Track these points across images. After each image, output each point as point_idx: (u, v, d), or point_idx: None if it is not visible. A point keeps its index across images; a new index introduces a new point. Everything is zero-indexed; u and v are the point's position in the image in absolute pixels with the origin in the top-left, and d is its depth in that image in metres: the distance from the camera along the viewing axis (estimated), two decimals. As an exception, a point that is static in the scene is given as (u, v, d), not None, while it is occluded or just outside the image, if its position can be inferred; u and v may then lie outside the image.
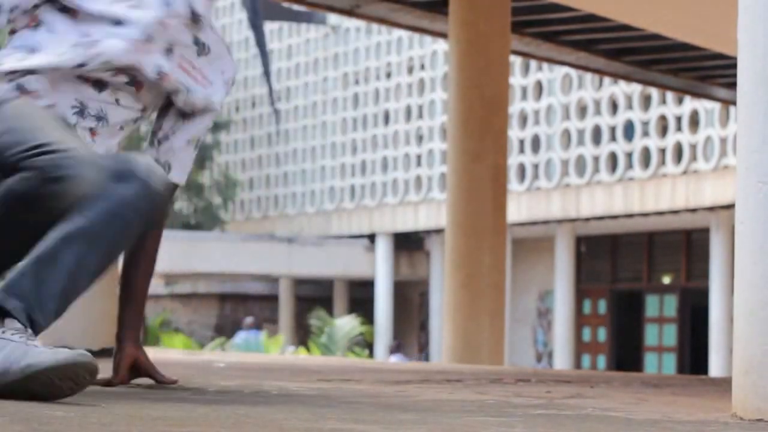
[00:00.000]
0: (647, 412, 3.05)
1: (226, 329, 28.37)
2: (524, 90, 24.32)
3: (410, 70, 27.04)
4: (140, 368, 3.32)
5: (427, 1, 10.69)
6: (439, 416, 2.67)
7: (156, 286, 25.39)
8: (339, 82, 29.15)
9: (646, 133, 22.21)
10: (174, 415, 2.41)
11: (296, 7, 22.98)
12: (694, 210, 21.30)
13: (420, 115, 26.68)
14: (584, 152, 23.11)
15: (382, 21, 11.43)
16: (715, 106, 20.60)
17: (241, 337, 21.86)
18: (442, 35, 11.17)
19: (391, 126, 27.47)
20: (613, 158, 22.67)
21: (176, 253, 23.98)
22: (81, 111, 3.06)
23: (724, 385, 4.42)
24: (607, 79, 22.15)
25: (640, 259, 24.81)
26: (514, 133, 23.73)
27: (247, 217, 32.08)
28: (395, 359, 21.05)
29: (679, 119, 21.71)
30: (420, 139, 26.68)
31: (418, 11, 10.78)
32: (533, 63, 23.30)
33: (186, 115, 3.28)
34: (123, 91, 3.11)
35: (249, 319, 22.66)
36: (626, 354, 24.53)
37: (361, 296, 29.39)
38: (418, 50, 26.78)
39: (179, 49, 3.18)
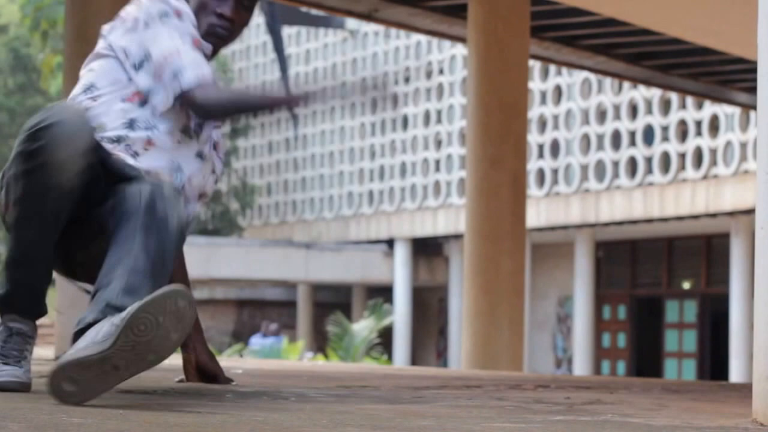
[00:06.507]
0: (667, 418, 3.03)
1: (244, 335, 28.38)
2: (543, 95, 24.29)
3: (429, 75, 27.04)
4: (206, 371, 3.61)
5: (446, 5, 10.68)
6: (457, 422, 2.66)
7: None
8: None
9: (665, 138, 22.16)
10: (191, 421, 2.40)
11: (314, 11, 23.00)
12: (714, 215, 21.23)
13: (438, 120, 26.67)
14: (604, 157, 23.07)
15: (400, 25, 11.43)
16: (735, 111, 20.54)
17: (258, 342, 21.84)
18: (461, 39, 11.16)
19: (409, 131, 27.47)
20: (632, 163, 22.62)
21: (194, 259, 23.92)
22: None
23: (744, 390, 4.39)
24: (626, 84, 22.11)
25: (660, 265, 24.75)
26: (534, 137, 23.71)
27: (264, 223, 32.12)
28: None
29: (699, 124, 21.66)
30: (438, 144, 26.67)
31: (437, 15, 10.77)
32: (552, 67, 23.28)
33: None
34: None
35: (273, 326, 22.66)
36: (646, 360, 24.47)
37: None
38: (437, 55, 26.78)
39: None
